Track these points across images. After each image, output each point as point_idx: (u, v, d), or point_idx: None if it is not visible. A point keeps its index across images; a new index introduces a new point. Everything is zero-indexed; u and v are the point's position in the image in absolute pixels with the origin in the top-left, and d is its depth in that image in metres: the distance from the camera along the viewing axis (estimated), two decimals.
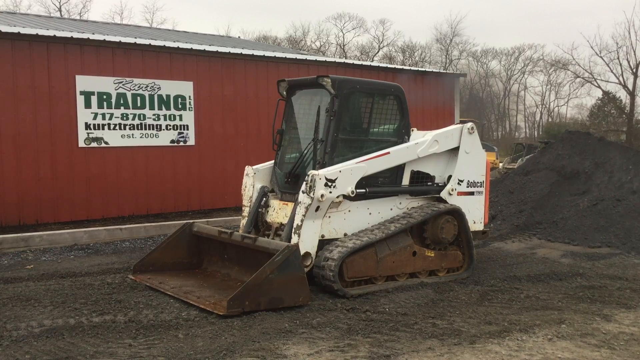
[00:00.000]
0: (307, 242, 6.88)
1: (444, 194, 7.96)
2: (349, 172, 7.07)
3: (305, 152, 7.62)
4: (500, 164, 29.64)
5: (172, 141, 12.66)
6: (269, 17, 79.87)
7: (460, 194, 8.08)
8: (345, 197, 7.09)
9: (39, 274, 7.89)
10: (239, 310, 5.91)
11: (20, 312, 6.08)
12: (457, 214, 7.81)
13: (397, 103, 7.86)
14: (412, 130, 8.18)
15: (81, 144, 11.57)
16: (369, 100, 7.70)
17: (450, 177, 8.05)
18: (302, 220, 6.86)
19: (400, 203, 7.76)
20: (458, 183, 8.08)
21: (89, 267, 8.39)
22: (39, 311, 6.09)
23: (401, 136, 7.89)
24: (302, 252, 6.70)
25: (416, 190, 7.89)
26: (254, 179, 8.08)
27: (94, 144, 11.71)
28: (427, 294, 6.91)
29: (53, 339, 5.23)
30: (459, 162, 8.08)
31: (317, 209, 6.90)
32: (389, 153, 7.51)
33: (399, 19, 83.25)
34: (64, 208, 11.45)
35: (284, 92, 8.18)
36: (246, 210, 8.00)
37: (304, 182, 6.92)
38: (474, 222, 8.21)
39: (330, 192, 6.89)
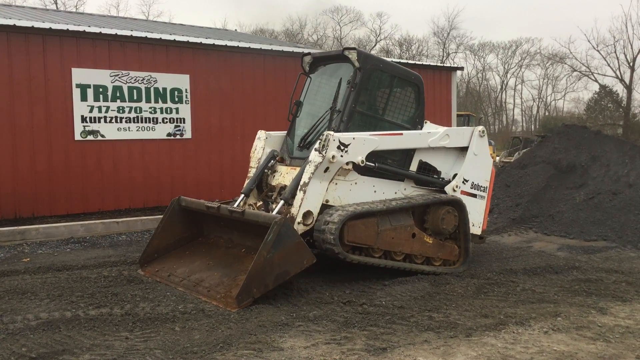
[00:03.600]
0: (310, 201, 6.89)
1: (448, 189, 7.99)
2: (362, 141, 7.15)
3: (320, 121, 7.67)
4: (497, 158, 29.65)
5: (169, 134, 12.64)
6: (266, 10, 79.55)
7: (463, 193, 8.13)
8: (354, 166, 7.13)
9: (36, 267, 7.88)
10: (250, 300, 5.94)
11: (17, 305, 6.07)
12: (458, 206, 7.85)
13: (415, 91, 7.96)
14: (426, 122, 8.27)
15: (77, 137, 11.55)
16: (390, 81, 7.80)
17: (455, 175, 8.10)
18: (309, 178, 6.88)
19: (404, 189, 7.80)
20: (463, 182, 8.13)
21: (86, 260, 8.38)
22: (35, 304, 6.09)
23: (415, 125, 7.98)
24: (304, 210, 6.78)
25: (422, 179, 7.93)
26: (265, 142, 8.13)
27: (90, 137, 11.69)
28: (424, 287, 6.92)
29: (49, 331, 5.23)
30: (466, 162, 8.14)
31: (326, 169, 6.93)
32: (402, 134, 7.63)
33: (396, 12, 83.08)
34: (61, 201, 11.43)
35: (307, 67, 8.26)
36: (252, 172, 8.02)
37: (318, 141, 6.98)
38: (473, 225, 8.21)
39: (342, 156, 6.95)
